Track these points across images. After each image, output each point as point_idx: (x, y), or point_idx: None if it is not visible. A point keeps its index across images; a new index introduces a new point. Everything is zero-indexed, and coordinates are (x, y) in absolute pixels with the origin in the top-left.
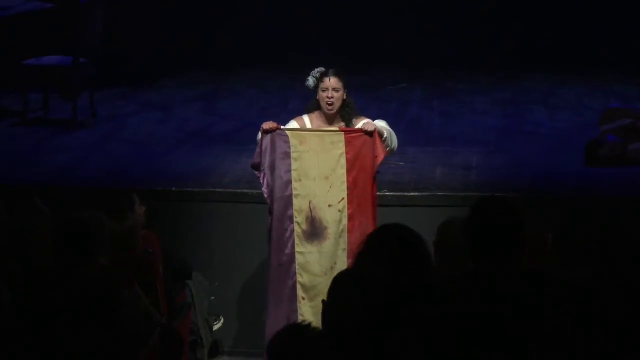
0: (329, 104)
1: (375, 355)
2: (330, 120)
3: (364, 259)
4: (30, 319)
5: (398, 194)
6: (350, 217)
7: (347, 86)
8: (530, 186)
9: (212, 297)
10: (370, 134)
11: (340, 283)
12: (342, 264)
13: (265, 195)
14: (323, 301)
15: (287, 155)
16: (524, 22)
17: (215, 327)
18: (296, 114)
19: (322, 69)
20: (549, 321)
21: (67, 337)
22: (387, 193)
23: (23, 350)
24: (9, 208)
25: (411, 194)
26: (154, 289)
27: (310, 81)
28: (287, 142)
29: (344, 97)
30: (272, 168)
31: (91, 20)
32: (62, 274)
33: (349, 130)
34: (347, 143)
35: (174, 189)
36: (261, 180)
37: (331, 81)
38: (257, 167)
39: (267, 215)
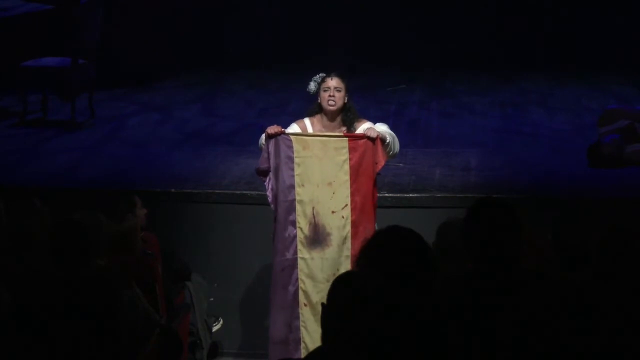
0: (331, 103)
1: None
2: (331, 124)
3: (363, 262)
4: (30, 319)
5: (397, 195)
6: (354, 224)
7: (348, 90)
8: (529, 187)
9: (212, 299)
10: (372, 140)
11: (339, 286)
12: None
13: (270, 200)
14: (322, 304)
15: (291, 160)
16: (523, 22)
17: (214, 329)
18: (296, 115)
19: (323, 74)
20: (548, 321)
21: (66, 338)
22: (386, 194)
23: (22, 350)
24: (8, 209)
25: (410, 195)
26: (153, 290)
27: (312, 86)
28: (290, 146)
29: (345, 99)
30: (277, 172)
31: (90, 22)
32: (61, 275)
33: (352, 136)
34: (351, 150)
35: (173, 190)
36: (266, 185)
37: (333, 81)
38: (263, 172)
39: (271, 220)
